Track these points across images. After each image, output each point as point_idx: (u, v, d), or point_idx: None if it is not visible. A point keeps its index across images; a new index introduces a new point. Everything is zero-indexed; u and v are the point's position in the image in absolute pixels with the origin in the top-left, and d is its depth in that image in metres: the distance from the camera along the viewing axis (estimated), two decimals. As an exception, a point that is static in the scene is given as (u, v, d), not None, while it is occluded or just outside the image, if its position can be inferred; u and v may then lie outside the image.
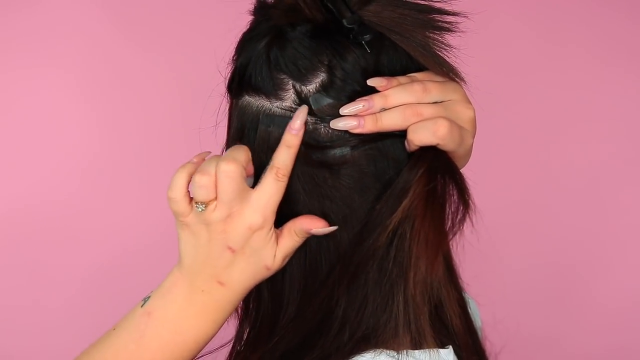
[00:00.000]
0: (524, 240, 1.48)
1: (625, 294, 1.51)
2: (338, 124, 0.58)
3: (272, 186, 0.60)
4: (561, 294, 1.50)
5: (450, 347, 0.63)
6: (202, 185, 0.59)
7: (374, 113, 0.59)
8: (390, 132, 0.60)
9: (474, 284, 0.77)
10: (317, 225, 0.61)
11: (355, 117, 0.58)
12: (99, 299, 1.35)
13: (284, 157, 0.59)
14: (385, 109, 0.59)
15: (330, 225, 0.61)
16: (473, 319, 0.69)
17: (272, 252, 0.61)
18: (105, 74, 1.32)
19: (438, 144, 0.59)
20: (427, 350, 0.61)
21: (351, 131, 0.59)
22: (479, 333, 0.73)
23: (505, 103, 1.42)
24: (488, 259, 1.30)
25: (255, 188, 0.60)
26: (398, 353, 0.59)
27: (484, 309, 0.82)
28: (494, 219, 1.35)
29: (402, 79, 0.60)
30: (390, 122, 0.59)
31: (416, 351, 0.60)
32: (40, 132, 1.32)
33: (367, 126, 0.58)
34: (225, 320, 0.65)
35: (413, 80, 0.60)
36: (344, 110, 0.58)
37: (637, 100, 1.47)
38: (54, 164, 1.33)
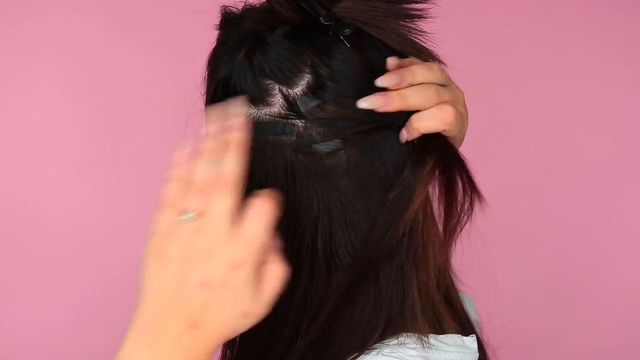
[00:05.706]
0: (521, 236, 1.46)
1: (626, 291, 1.50)
2: (363, 104, 0.56)
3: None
4: (560, 291, 1.49)
5: (474, 335, 0.62)
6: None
7: (401, 88, 0.57)
8: (384, 125, 0.58)
9: (468, 281, 0.77)
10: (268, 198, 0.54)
11: (382, 96, 0.57)
12: (101, 304, 1.31)
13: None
14: (412, 85, 0.58)
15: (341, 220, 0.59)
16: (468, 313, 0.69)
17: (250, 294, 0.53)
18: (94, 75, 1.29)
19: (444, 130, 0.59)
20: (450, 335, 0.60)
21: (377, 110, 0.57)
22: (475, 325, 0.73)
23: (505, 98, 1.42)
24: (485, 255, 1.29)
25: (245, 220, 0.53)
26: (424, 336, 0.58)
27: (479, 305, 0.81)
28: (492, 214, 1.35)
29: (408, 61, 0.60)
30: (415, 100, 0.57)
31: (441, 335, 0.60)
32: (34, 133, 1.28)
33: (395, 104, 0.57)
34: None
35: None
36: (379, 81, 0.57)
37: (637, 98, 1.47)
38: (54, 165, 1.29)
